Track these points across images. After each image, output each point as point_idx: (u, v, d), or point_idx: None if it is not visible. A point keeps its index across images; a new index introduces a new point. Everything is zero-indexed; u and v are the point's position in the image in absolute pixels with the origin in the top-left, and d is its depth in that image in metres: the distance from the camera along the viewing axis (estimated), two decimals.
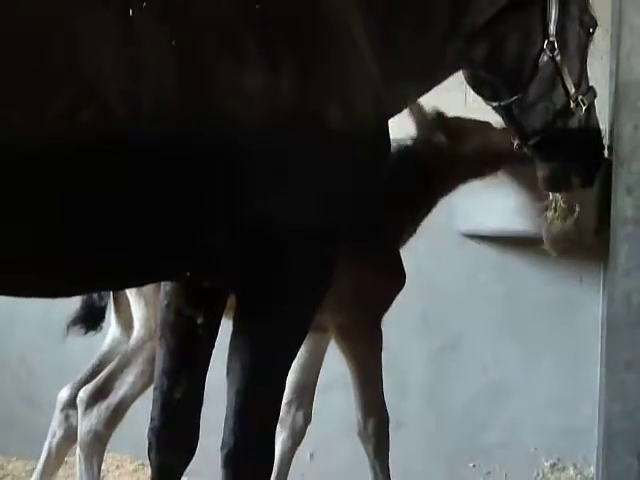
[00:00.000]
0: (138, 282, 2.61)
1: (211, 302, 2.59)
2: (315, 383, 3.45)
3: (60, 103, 1.94)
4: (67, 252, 2.10)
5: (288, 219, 2.28)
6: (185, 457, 2.67)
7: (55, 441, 3.66)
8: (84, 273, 2.21)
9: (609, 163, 3.20)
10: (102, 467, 3.58)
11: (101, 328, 3.64)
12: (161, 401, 2.63)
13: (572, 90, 3.01)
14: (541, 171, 3.19)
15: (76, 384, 3.63)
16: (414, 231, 3.51)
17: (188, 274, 2.37)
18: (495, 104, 3.07)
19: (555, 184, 3.22)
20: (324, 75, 2.30)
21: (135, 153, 2.04)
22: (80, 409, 3.51)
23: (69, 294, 2.44)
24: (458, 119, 3.46)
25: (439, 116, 3.40)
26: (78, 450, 3.55)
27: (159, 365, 2.64)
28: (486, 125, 3.44)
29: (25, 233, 2.02)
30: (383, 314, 3.35)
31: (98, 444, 3.50)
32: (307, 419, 3.51)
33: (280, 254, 2.31)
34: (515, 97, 2.99)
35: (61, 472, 4.35)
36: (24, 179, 1.96)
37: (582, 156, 3.17)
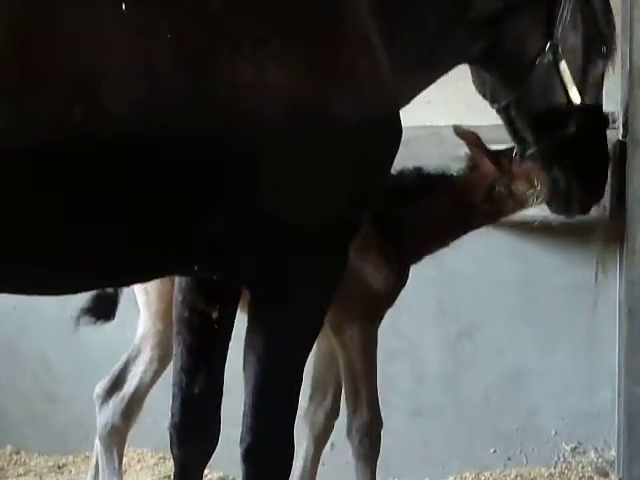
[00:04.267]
0: (144, 278, 2.59)
1: (225, 296, 2.57)
2: (335, 377, 3.41)
3: (53, 101, 1.91)
4: (68, 249, 2.09)
5: (296, 211, 2.24)
6: (207, 451, 2.67)
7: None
8: (85, 270, 2.19)
9: (623, 144, 3.18)
10: (123, 461, 3.58)
11: (113, 317, 3.58)
12: (180, 397, 2.63)
13: (576, 99, 2.75)
14: (546, 189, 2.96)
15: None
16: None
17: (195, 268, 2.36)
18: (495, 106, 2.89)
19: (560, 204, 2.99)
20: (334, 67, 2.26)
21: (135, 148, 2.01)
22: (97, 404, 3.53)
23: (72, 291, 2.42)
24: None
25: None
26: (98, 444, 3.57)
27: (176, 361, 2.64)
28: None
29: (26, 232, 2.02)
30: (380, 311, 3.27)
31: (116, 436, 3.51)
32: (330, 415, 3.43)
33: (289, 247, 2.28)
34: (511, 98, 2.78)
35: (82, 467, 4.39)
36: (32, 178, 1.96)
37: (586, 173, 2.92)
